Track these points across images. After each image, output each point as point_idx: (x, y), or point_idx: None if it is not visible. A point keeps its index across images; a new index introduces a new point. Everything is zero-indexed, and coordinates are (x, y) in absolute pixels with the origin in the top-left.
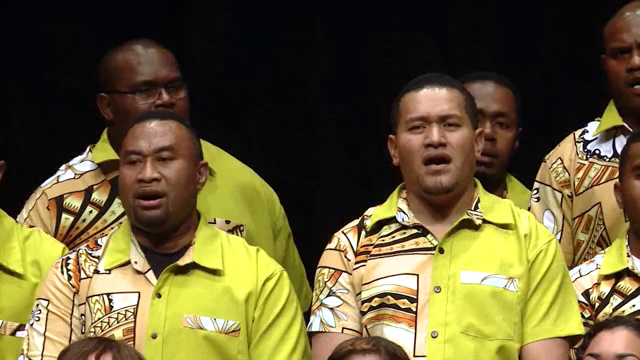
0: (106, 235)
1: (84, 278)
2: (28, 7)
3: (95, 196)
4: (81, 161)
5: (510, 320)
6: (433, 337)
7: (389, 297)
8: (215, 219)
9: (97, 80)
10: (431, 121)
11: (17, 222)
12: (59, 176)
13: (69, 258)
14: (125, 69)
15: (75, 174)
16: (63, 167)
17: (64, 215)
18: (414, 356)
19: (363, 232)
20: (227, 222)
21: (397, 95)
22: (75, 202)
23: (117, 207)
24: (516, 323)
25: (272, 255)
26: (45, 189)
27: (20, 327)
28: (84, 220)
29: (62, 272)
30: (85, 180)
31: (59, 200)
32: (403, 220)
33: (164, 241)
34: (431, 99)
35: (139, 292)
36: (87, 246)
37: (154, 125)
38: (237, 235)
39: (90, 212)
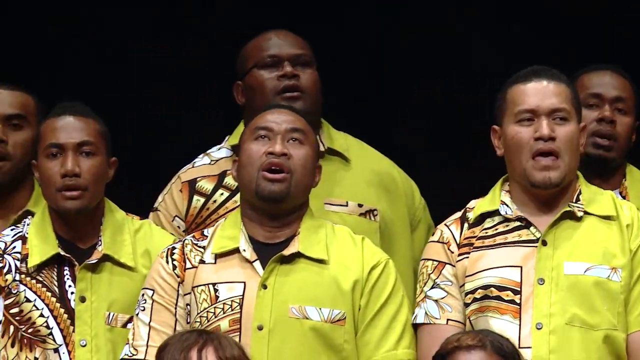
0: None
1: (189, 268)
2: None
3: (227, 180)
4: (218, 149)
5: (614, 310)
6: (538, 329)
7: (492, 289)
8: (347, 202)
9: (236, 72)
10: (540, 114)
11: (127, 214)
12: (195, 162)
13: (174, 248)
14: (254, 49)
15: (211, 160)
16: (201, 155)
17: (195, 197)
18: (519, 347)
19: (466, 225)
20: (360, 205)
21: (503, 87)
22: (207, 185)
23: None
24: (620, 313)
25: (408, 246)
26: (180, 174)
27: (131, 319)
28: (214, 202)
29: (167, 262)
30: (219, 165)
31: (192, 183)
32: (506, 213)
33: (272, 230)
34: (540, 92)
35: (244, 283)
36: (193, 236)
37: (284, 112)
38: (371, 219)
39: (222, 194)
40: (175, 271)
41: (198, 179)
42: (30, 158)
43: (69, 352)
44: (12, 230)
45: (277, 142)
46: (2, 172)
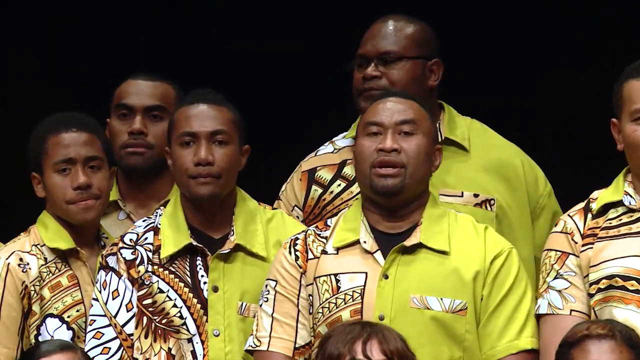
0: (336, 214)
1: (312, 258)
2: None
3: (346, 170)
4: (343, 137)
5: None
6: None
7: (617, 279)
8: (462, 192)
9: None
10: None
11: (260, 204)
12: (319, 150)
13: (297, 239)
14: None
15: (335, 149)
16: (327, 142)
17: (313, 187)
18: None
19: (589, 215)
20: (476, 195)
21: (619, 79)
22: (326, 175)
23: None
24: None
25: (528, 235)
26: (302, 162)
27: None
28: (331, 192)
29: (290, 253)
30: (341, 154)
31: (311, 172)
32: (630, 204)
33: (393, 220)
34: None
35: (366, 273)
36: (316, 227)
37: (394, 101)
38: (487, 209)
39: (339, 185)
40: (297, 262)
41: (318, 168)
42: None
43: (202, 342)
44: (144, 221)
45: (388, 138)
46: (143, 160)
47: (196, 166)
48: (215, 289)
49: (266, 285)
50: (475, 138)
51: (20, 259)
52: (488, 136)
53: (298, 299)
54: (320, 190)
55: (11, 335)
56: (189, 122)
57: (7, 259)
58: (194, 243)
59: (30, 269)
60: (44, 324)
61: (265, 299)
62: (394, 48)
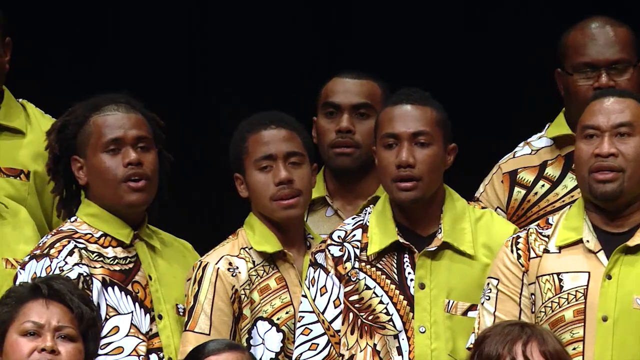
0: (557, 212)
1: (534, 257)
2: None
3: (548, 171)
4: (539, 138)
5: None
6: None
7: None
8: None
9: (557, 55)
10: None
11: (469, 203)
12: (515, 152)
13: (519, 237)
14: (572, 48)
15: (532, 150)
16: (522, 143)
17: (516, 189)
18: None
19: None
20: None
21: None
22: (528, 177)
23: (569, 182)
24: None
25: None
26: (501, 164)
27: (472, 307)
28: (535, 194)
29: (512, 251)
30: (540, 155)
31: (512, 174)
32: None
33: (615, 220)
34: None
35: (589, 272)
36: (538, 225)
37: (611, 102)
38: None
39: (542, 185)
40: (519, 260)
41: (519, 170)
42: None
43: (408, 339)
44: (353, 219)
45: (605, 142)
46: (351, 160)
47: (397, 169)
48: (422, 286)
49: (488, 284)
50: None
51: (230, 263)
52: None
53: (520, 298)
54: (523, 192)
55: None
56: (392, 123)
57: (216, 263)
58: (401, 240)
59: (239, 272)
60: (254, 327)
61: (487, 297)
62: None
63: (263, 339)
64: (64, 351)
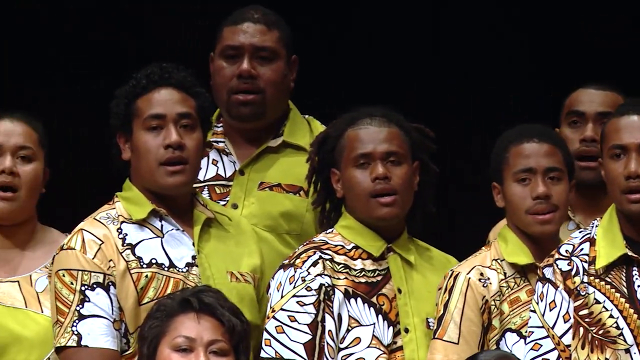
0: None
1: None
2: None
3: None
4: None
5: None
6: None
7: None
8: None
9: None
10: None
11: None
12: None
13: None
14: None
15: None
16: None
17: None
18: None
19: None
20: None
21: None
22: None
23: None
24: None
25: None
26: None
27: None
28: None
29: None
30: None
31: None
32: None
33: None
34: None
35: None
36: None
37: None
38: None
39: None
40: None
41: None
42: None
43: None
44: (580, 232)
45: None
46: (594, 174)
47: (626, 180)
48: None
49: None
50: None
51: (481, 274)
52: None
53: None
54: None
55: (471, 350)
56: (619, 134)
57: (467, 273)
58: (630, 253)
59: (490, 283)
60: (502, 338)
61: None
62: None
63: (511, 351)
64: None
